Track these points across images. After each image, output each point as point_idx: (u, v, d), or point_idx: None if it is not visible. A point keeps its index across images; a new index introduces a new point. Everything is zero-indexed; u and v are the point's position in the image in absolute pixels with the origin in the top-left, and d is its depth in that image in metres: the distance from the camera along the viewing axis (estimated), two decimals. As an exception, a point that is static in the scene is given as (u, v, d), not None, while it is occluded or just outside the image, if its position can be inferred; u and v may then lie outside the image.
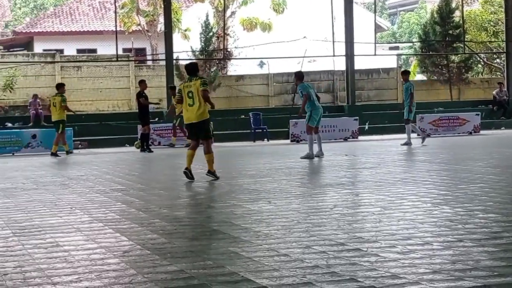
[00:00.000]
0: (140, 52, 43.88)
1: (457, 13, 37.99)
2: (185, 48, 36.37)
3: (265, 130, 29.03)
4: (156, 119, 28.93)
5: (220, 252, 6.51)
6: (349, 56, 32.11)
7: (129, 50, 40.69)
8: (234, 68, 39.28)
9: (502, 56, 38.56)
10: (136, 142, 25.28)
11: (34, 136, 25.29)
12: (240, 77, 37.02)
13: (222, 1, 38.66)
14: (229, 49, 38.20)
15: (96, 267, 6.04)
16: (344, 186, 11.51)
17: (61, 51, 40.51)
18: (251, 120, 29.18)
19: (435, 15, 38.44)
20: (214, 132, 27.35)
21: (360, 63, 33.32)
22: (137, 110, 24.54)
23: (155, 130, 26.69)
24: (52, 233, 7.82)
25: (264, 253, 6.38)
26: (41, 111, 30.35)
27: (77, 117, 29.62)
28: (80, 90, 35.24)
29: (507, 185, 11.25)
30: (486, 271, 5.49)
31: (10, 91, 33.24)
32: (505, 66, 36.77)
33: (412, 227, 7.48)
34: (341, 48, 32.41)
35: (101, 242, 7.20)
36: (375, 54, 33.44)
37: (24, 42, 47.25)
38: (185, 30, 42.80)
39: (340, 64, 34.78)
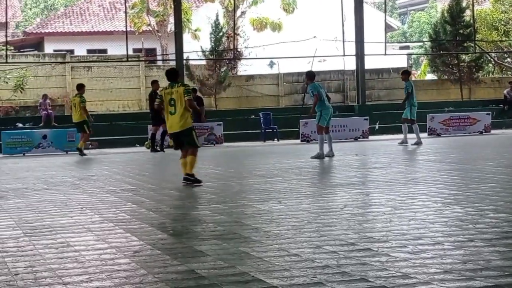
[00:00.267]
0: (150, 52, 43.93)
1: (468, 12, 37.87)
2: (195, 48, 36.38)
3: (275, 130, 29.01)
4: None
5: (230, 252, 6.50)
6: (359, 55, 32.05)
7: (139, 50, 40.73)
8: (244, 68, 39.27)
9: (513, 55, 38.50)
10: (146, 142, 25.30)
11: (44, 137, 25.35)
12: (250, 77, 37.00)
13: (232, 1, 38.65)
14: (239, 49, 38.19)
15: (106, 267, 6.05)
16: (354, 186, 11.50)
17: (72, 51, 40.57)
18: (261, 120, 29.17)
19: (446, 14, 38.32)
20: (223, 133, 27.48)
21: (370, 63, 33.26)
22: (148, 110, 24.54)
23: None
24: (63, 233, 7.84)
25: (275, 253, 6.38)
26: (51, 111, 30.42)
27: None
28: (91, 91, 35.19)
29: (518, 184, 11.22)
30: (497, 271, 5.47)
31: (21, 92, 33.31)
32: (515, 65, 36.71)
33: (423, 227, 7.46)
34: (351, 48, 32.35)
35: (112, 242, 7.21)
36: (385, 54, 33.39)
37: (34, 43, 47.36)
38: (195, 30, 42.82)
39: (350, 64, 34.74)
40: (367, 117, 28.42)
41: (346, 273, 5.55)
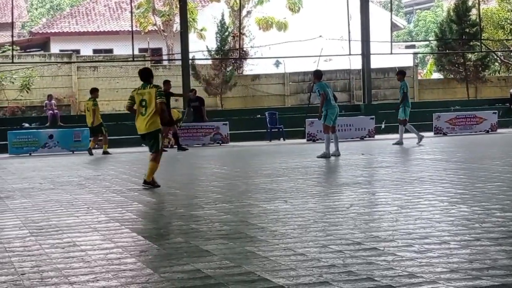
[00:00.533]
0: (156, 52, 43.96)
1: (474, 11, 37.81)
2: (201, 47, 36.39)
3: (281, 130, 29.01)
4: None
5: (236, 252, 6.50)
6: (365, 55, 32.05)
7: (145, 50, 40.75)
8: (250, 67, 39.27)
9: (519, 54, 38.44)
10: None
11: (51, 137, 25.39)
12: (256, 77, 37.00)
13: (237, 1, 38.67)
14: (245, 49, 38.19)
15: (113, 267, 6.06)
16: (360, 185, 11.49)
17: (78, 51, 40.63)
18: (267, 120, 29.17)
19: (452, 13, 38.28)
20: (229, 132, 27.48)
21: (376, 62, 33.25)
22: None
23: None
24: (69, 233, 7.85)
25: (281, 253, 6.38)
26: (57, 111, 30.46)
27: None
28: (97, 91, 35.31)
29: (524, 183, 11.20)
30: (503, 270, 5.46)
31: (27, 92, 33.38)
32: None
33: (429, 226, 7.46)
34: (357, 47, 32.34)
35: (118, 242, 7.22)
36: (391, 53, 33.35)
37: (40, 43, 47.42)
38: (201, 30, 42.84)
39: (356, 63, 34.73)
40: (373, 116, 28.40)
41: (352, 273, 5.55)
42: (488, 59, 38.70)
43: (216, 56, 35.72)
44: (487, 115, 29.21)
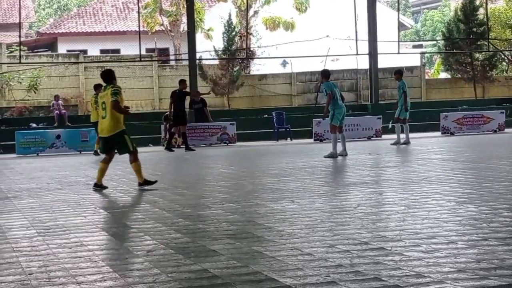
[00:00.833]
0: (163, 52, 43.99)
1: (481, 11, 37.75)
2: (208, 47, 36.42)
3: (288, 129, 29.00)
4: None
5: (243, 252, 6.50)
6: (373, 54, 32.00)
7: (152, 50, 40.80)
8: (257, 67, 39.26)
9: (527, 53, 38.37)
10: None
11: (58, 137, 25.42)
12: (263, 77, 37.00)
13: (244, 1, 38.66)
14: (252, 49, 38.19)
15: (120, 267, 6.06)
16: (367, 185, 11.48)
17: (85, 51, 40.69)
18: (274, 119, 29.16)
19: (459, 13, 38.22)
20: (238, 132, 27.48)
21: (383, 62, 33.20)
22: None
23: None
24: (76, 233, 7.86)
25: (288, 252, 6.37)
26: (65, 111, 30.50)
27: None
28: (104, 90, 35.37)
29: (532, 183, 11.17)
30: (511, 270, 5.45)
31: (35, 92, 33.44)
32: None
33: (437, 226, 7.45)
34: (364, 47, 32.31)
35: (125, 242, 7.22)
36: (398, 53, 33.31)
37: (48, 43, 47.51)
38: (208, 30, 42.85)
39: (363, 63, 34.70)
40: (380, 116, 28.35)
41: (359, 272, 5.54)
42: (496, 58, 38.62)
43: (223, 56, 35.73)
44: (494, 115, 29.15)
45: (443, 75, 43.98)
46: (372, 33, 31.79)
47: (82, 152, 24.60)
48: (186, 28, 33.65)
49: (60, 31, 46.88)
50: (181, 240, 7.20)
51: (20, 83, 33.41)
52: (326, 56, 33.04)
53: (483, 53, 37.44)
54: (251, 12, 41.14)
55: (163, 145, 24.86)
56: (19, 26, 33.16)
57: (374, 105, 31.69)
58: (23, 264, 6.31)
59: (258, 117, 31.27)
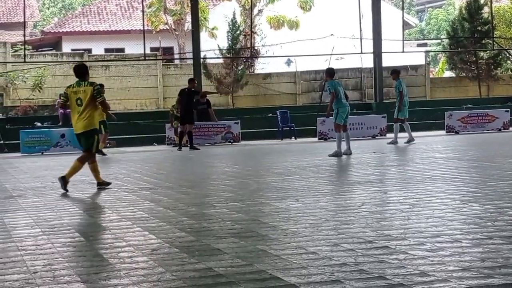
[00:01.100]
0: (168, 51, 44.02)
1: (486, 9, 37.71)
2: (213, 46, 36.42)
3: (292, 128, 28.99)
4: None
5: (248, 250, 6.50)
6: (377, 53, 31.99)
7: (157, 49, 40.82)
8: (262, 66, 39.28)
9: (531, 52, 38.32)
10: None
11: (63, 136, 25.43)
12: (267, 75, 37.01)
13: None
14: (256, 47, 38.20)
15: (124, 265, 6.07)
16: (372, 184, 11.47)
17: (89, 50, 40.74)
18: (279, 118, 29.16)
19: (464, 12, 38.19)
20: (243, 131, 27.48)
21: (387, 60, 33.18)
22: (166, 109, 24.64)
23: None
24: (81, 232, 7.87)
25: (292, 251, 6.37)
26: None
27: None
28: (108, 89, 35.26)
29: (537, 182, 11.15)
30: (516, 269, 5.45)
31: (39, 91, 33.50)
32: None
33: (441, 224, 7.44)
34: (368, 46, 32.31)
35: (130, 241, 7.23)
36: (403, 51, 33.30)
37: (52, 42, 47.57)
38: (212, 29, 42.86)
39: (367, 62, 34.69)
40: (385, 115, 28.33)
41: (364, 271, 5.54)
42: (500, 57, 38.59)
43: (228, 55, 35.74)
44: (499, 113, 29.11)
45: (448, 73, 43.96)
46: (377, 31, 31.78)
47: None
48: (190, 27, 33.64)
49: (65, 30, 46.94)
50: (186, 239, 7.20)
51: (25, 82, 33.46)
52: (331, 54, 33.07)
53: (488, 51, 37.41)
54: (255, 11, 41.16)
55: (172, 145, 24.71)
56: (23, 25, 33.24)
57: (379, 104, 31.69)
58: (28, 263, 6.32)
59: (262, 116, 31.29)
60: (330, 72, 18.56)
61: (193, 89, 24.12)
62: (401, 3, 40.83)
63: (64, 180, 11.98)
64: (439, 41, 55.96)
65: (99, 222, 8.58)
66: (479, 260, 5.76)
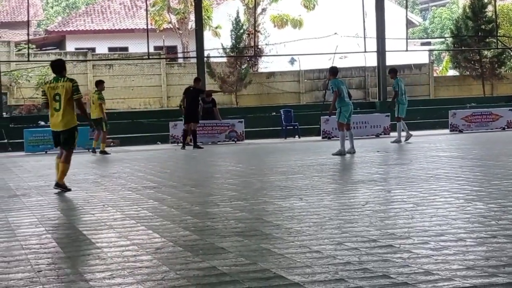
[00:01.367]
0: (171, 50, 44.03)
1: (490, 8, 37.66)
2: (216, 45, 36.43)
3: (296, 127, 28.98)
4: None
5: (252, 249, 6.51)
6: (381, 52, 31.96)
7: (160, 48, 40.83)
8: (265, 65, 39.27)
9: (535, 50, 38.28)
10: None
11: (67, 134, 25.40)
12: (271, 74, 37.00)
13: (252, -2, 38.71)
14: (260, 46, 38.20)
15: (128, 264, 6.07)
16: (376, 183, 11.47)
17: (93, 49, 40.79)
18: (282, 117, 29.14)
19: (467, 10, 38.14)
20: (246, 130, 27.48)
21: (391, 59, 33.15)
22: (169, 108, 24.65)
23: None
24: (85, 230, 7.87)
25: (296, 250, 6.37)
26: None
27: (109, 115, 29.78)
28: (112, 88, 35.39)
29: (541, 180, 11.14)
30: (520, 268, 5.44)
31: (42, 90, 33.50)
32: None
33: (445, 223, 7.44)
34: (372, 44, 32.27)
35: (134, 239, 7.24)
36: (406, 50, 33.24)
37: (56, 41, 47.62)
38: (216, 28, 42.87)
39: (371, 60, 34.65)
40: (389, 113, 28.29)
41: (368, 270, 5.54)
42: (504, 55, 38.53)
43: (231, 54, 35.73)
44: (503, 112, 29.08)
45: (452, 72, 43.88)
46: (380, 30, 31.75)
47: (90, 150, 24.60)
48: (194, 26, 33.67)
49: (68, 29, 46.98)
50: (190, 238, 7.21)
51: (29, 81, 33.49)
52: (334, 53, 33.06)
53: (492, 50, 37.36)
54: (259, 10, 41.15)
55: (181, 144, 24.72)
56: (27, 24, 33.25)
57: (382, 103, 31.64)
58: (32, 262, 6.33)
59: (266, 114, 31.29)
60: (333, 71, 18.57)
61: (198, 88, 24.13)
62: (404, 1, 40.75)
63: (60, 185, 11.78)
64: (443, 39, 55.87)
65: (103, 220, 8.59)
66: (483, 259, 5.76)
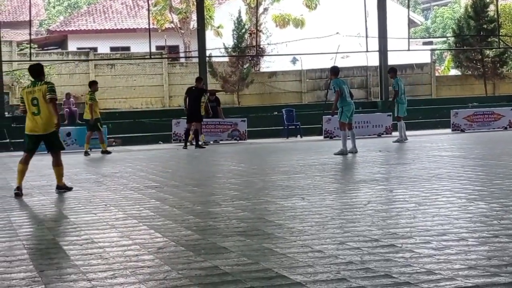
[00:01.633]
0: (173, 49, 44.06)
1: (492, 7, 37.67)
2: (218, 45, 36.45)
3: (298, 127, 28.98)
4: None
5: (254, 249, 6.51)
6: (383, 51, 31.96)
7: (162, 47, 40.86)
8: (267, 64, 39.29)
9: (537, 50, 38.25)
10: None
11: (68, 134, 25.45)
12: (273, 74, 37.01)
13: (254, -2, 38.72)
14: (261, 46, 38.21)
15: (130, 264, 6.07)
16: (378, 182, 11.46)
17: (95, 49, 40.82)
18: (284, 117, 29.14)
19: (469, 10, 38.14)
20: (249, 129, 27.49)
21: (393, 59, 33.16)
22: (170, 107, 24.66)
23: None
24: (87, 230, 7.88)
25: (298, 250, 6.37)
26: (76, 109, 30.55)
27: (111, 114, 29.83)
28: (114, 88, 35.50)
29: (543, 180, 11.13)
30: (522, 267, 5.44)
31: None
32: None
33: (447, 223, 7.43)
34: (374, 44, 32.27)
35: (136, 239, 7.24)
36: (408, 50, 33.24)
37: (58, 41, 47.65)
38: (218, 27, 42.89)
39: (373, 60, 34.66)
40: (391, 113, 28.29)
41: (370, 269, 5.54)
42: (506, 55, 38.54)
43: (233, 53, 35.76)
44: (505, 112, 29.06)
45: (454, 72, 43.88)
46: (382, 30, 31.75)
47: (92, 150, 24.62)
48: (196, 26, 33.67)
49: (70, 29, 47.01)
50: (192, 237, 7.21)
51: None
52: (336, 53, 33.07)
53: (494, 49, 37.35)
54: (260, 9, 41.16)
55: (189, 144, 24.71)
56: (29, 24, 33.27)
57: (384, 102, 31.65)
58: (34, 261, 6.33)
59: (268, 114, 31.30)
60: (335, 71, 18.57)
61: (200, 87, 24.13)
62: (406, 1, 40.79)
63: (61, 187, 11.74)
64: (444, 39, 55.86)
65: (105, 220, 8.59)
66: (485, 259, 5.75)
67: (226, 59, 35.95)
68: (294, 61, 42.21)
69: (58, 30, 47.66)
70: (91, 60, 35.80)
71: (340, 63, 30.34)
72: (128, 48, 42.56)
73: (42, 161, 19.95)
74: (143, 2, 46.48)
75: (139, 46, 37.81)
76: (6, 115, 30.07)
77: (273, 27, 43.61)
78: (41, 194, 11.68)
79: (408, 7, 40.63)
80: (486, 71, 37.03)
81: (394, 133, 27.36)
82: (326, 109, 28.21)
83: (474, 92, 36.90)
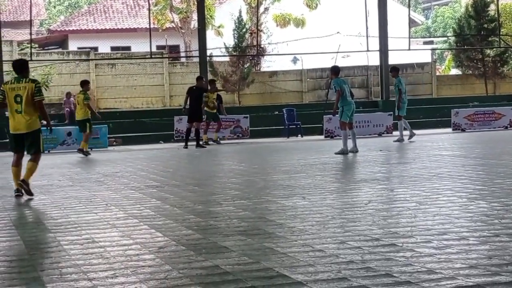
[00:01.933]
0: (174, 49, 44.05)
1: (492, 7, 37.65)
2: (219, 44, 36.44)
3: (298, 126, 28.97)
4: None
5: (255, 248, 6.51)
6: (383, 51, 31.94)
7: (163, 47, 40.85)
8: (268, 64, 39.29)
9: (538, 49, 38.23)
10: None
11: (69, 134, 25.44)
12: (273, 73, 37.01)
13: (255, -2, 38.71)
14: (262, 45, 38.20)
15: (131, 263, 6.07)
16: (378, 182, 11.47)
17: (96, 48, 40.80)
18: (285, 116, 29.14)
19: (470, 9, 38.13)
20: (249, 128, 27.49)
21: (394, 58, 33.13)
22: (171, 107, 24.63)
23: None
24: (88, 230, 7.88)
25: (299, 249, 6.37)
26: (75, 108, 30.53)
27: (112, 114, 29.85)
28: (114, 88, 35.51)
29: (544, 179, 11.13)
30: (523, 266, 5.44)
31: (45, 89, 33.52)
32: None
33: (448, 222, 7.43)
34: (375, 43, 32.26)
35: (137, 238, 7.24)
36: (409, 49, 33.23)
37: (58, 40, 47.64)
38: (219, 27, 42.88)
39: (374, 59, 34.64)
40: (391, 112, 28.26)
41: (370, 269, 5.54)
42: (507, 54, 38.52)
43: (234, 53, 35.76)
44: (506, 111, 29.06)
45: (454, 71, 43.87)
46: (383, 29, 31.74)
47: (93, 149, 24.62)
48: (196, 25, 33.66)
49: (71, 29, 47.01)
50: (193, 237, 7.21)
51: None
52: (337, 52, 33.05)
53: (494, 49, 37.34)
54: (261, 9, 41.15)
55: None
56: (30, 23, 33.27)
57: (385, 102, 31.65)
58: (35, 261, 6.33)
59: (268, 114, 31.30)
60: (335, 70, 18.57)
61: (200, 87, 24.12)
62: (407, 0, 40.79)
63: (25, 183, 11.08)
64: (445, 38, 55.86)
65: (106, 219, 8.59)
66: (486, 258, 5.75)
67: (227, 58, 35.96)
68: (294, 60, 42.20)
69: (58, 29, 47.66)
70: (92, 59, 35.79)
71: (341, 63, 30.33)
72: (128, 48, 42.55)
73: (43, 161, 19.93)
74: (143, 1, 46.46)
75: (139, 46, 37.80)
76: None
77: (274, 26, 43.60)
78: (41, 193, 11.68)
79: (409, 6, 40.61)
80: (487, 71, 37.02)
81: (394, 133, 27.37)
82: (327, 108, 28.20)
83: (474, 92, 36.89)
